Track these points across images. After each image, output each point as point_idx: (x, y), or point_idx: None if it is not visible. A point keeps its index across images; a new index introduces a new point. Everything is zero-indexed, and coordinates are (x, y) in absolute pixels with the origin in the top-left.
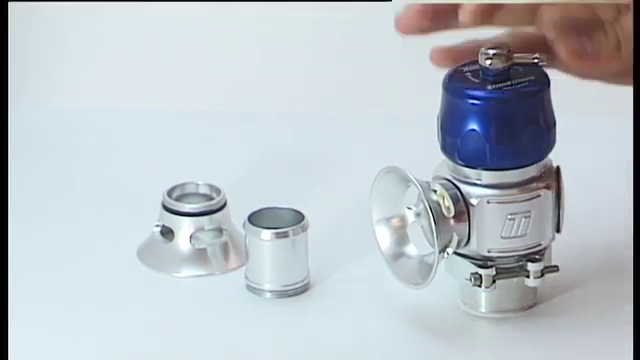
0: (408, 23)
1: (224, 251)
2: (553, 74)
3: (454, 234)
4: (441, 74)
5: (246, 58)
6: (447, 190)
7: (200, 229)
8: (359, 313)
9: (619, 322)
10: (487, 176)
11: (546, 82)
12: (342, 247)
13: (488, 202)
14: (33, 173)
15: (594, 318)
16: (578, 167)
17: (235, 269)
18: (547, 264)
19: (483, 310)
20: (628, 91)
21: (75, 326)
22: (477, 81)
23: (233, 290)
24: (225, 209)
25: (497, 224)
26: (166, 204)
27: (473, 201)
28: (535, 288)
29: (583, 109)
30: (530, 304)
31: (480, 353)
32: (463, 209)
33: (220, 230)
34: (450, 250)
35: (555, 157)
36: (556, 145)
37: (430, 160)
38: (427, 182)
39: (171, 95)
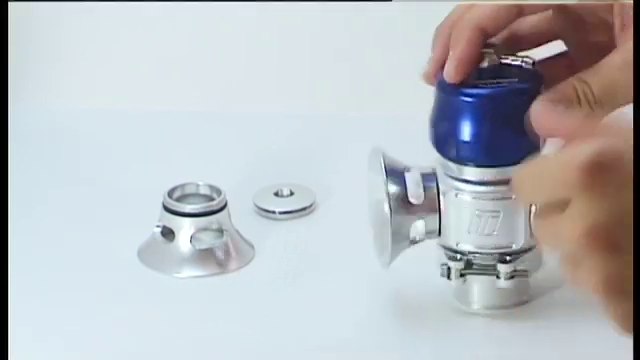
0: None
1: (225, 252)
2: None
3: (422, 222)
4: None
5: (246, 58)
6: (424, 178)
7: (201, 230)
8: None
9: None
10: (466, 171)
11: (534, 85)
12: (341, 246)
13: (456, 195)
14: (33, 174)
15: (586, 315)
16: None
17: (236, 270)
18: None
19: (475, 306)
20: None
21: (75, 326)
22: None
23: (234, 291)
24: (226, 209)
25: (464, 218)
26: (167, 205)
27: (442, 192)
28: (527, 285)
29: None
30: (523, 300)
31: (471, 348)
32: (433, 198)
33: (221, 231)
34: (419, 237)
35: None
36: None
37: (430, 160)
38: (407, 167)
39: (171, 95)
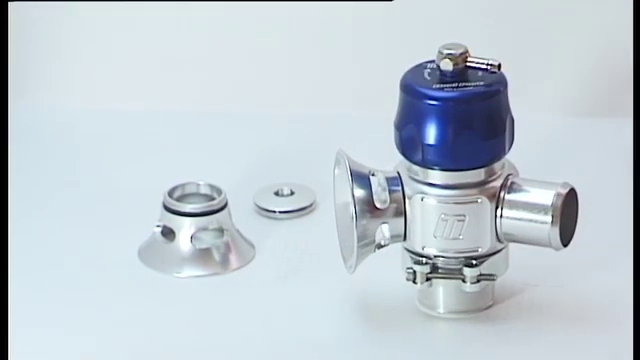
0: None
1: (225, 251)
2: (558, 75)
3: (388, 226)
4: None
5: (246, 58)
6: (389, 182)
7: (201, 229)
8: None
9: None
10: (432, 175)
11: (499, 88)
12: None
13: (422, 199)
14: (33, 173)
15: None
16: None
17: (236, 269)
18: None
19: (441, 311)
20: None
21: (76, 326)
22: (428, 79)
23: (234, 290)
24: (226, 209)
25: (430, 222)
26: (167, 204)
27: (408, 196)
28: (492, 289)
29: (585, 111)
30: (488, 304)
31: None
32: (399, 202)
33: (221, 230)
34: (384, 241)
35: (554, 157)
36: (555, 145)
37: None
38: (372, 171)
39: (171, 95)
